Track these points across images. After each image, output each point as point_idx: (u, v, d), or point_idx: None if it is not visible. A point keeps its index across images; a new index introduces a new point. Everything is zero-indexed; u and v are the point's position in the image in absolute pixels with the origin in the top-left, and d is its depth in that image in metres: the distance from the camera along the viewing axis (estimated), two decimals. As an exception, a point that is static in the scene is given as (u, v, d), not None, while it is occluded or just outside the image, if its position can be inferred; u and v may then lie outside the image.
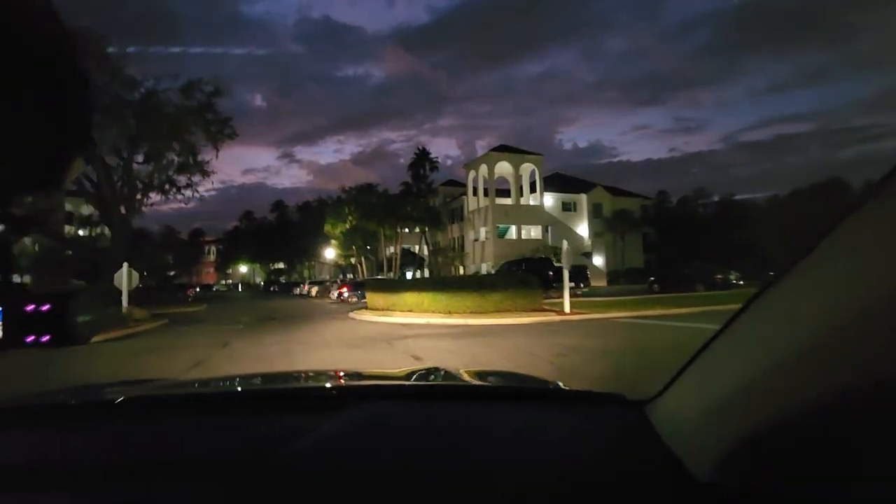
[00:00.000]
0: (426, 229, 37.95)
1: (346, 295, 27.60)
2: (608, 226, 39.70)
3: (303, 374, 2.05)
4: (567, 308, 12.84)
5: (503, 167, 36.66)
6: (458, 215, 43.18)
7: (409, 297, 15.02)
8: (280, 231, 65.37)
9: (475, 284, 13.84)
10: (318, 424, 0.92)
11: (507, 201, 37.80)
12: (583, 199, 42.03)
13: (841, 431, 0.52)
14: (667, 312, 12.60)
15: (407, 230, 39.93)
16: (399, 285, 17.12)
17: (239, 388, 1.46)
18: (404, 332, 10.79)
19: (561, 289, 13.86)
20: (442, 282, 15.91)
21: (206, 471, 0.81)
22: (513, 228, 38.22)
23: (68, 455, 0.87)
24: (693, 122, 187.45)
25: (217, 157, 27.03)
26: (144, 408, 1.09)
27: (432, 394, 1.24)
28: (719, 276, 20.21)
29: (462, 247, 42.13)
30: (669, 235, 42.83)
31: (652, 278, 24.41)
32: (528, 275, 15.35)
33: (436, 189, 45.65)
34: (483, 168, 37.46)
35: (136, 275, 14.69)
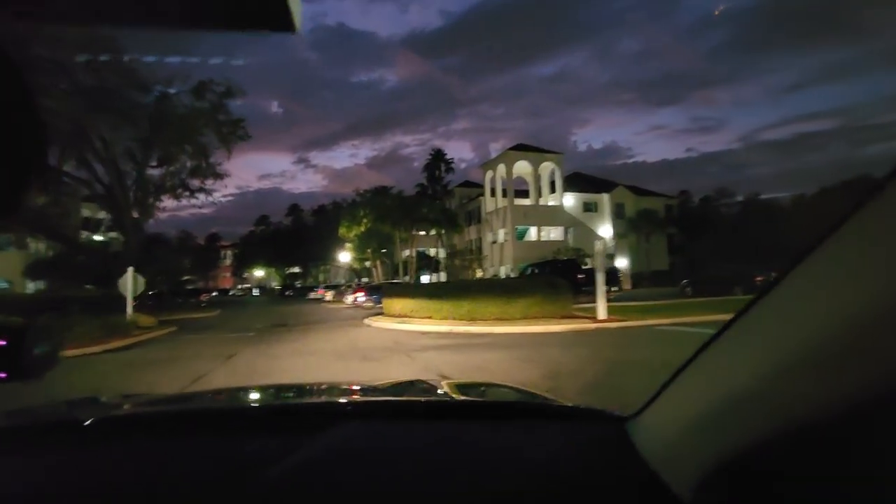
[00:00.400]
0: (442, 232, 36.98)
1: (361, 299, 26.80)
2: (632, 226, 38.28)
3: (285, 389, 1.94)
4: (602, 314, 11.74)
5: (522, 166, 35.57)
6: (475, 217, 42.18)
7: (429, 303, 14.06)
8: (295, 235, 65.26)
9: (500, 288, 12.84)
10: (296, 446, 0.90)
11: (527, 202, 36.71)
12: (604, 198, 40.67)
13: (830, 449, 0.52)
14: (712, 318, 11.40)
15: (423, 233, 39.10)
16: (418, 290, 16.19)
17: (214, 407, 1.36)
18: (425, 343, 9.83)
19: (590, 293, 12.78)
20: (463, 286, 14.92)
21: (176, 499, 0.80)
22: (532, 230, 37.07)
23: (28, 483, 0.85)
24: (710, 121, 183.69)
25: (229, 158, 26.55)
26: (112, 429, 1.05)
27: (412, 411, 1.19)
28: (759, 278, 18.81)
29: (480, 249, 41.09)
30: (696, 236, 41.16)
31: (685, 281, 23.05)
32: (556, 278, 14.25)
33: (451, 191, 44.75)
34: (501, 168, 36.40)
35: (141, 280, 14.02)
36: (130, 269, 13.55)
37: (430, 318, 13.71)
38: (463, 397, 1.47)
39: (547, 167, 36.57)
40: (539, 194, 36.54)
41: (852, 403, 0.45)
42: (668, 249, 42.36)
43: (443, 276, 43.99)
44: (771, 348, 0.55)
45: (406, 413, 1.16)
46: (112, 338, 11.96)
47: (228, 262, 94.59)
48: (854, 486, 0.53)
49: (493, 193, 38.25)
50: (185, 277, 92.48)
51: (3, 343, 0.60)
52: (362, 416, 1.09)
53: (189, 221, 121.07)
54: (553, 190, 37.47)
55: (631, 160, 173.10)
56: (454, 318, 12.89)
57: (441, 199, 40.79)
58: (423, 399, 1.41)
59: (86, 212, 33.77)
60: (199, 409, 1.32)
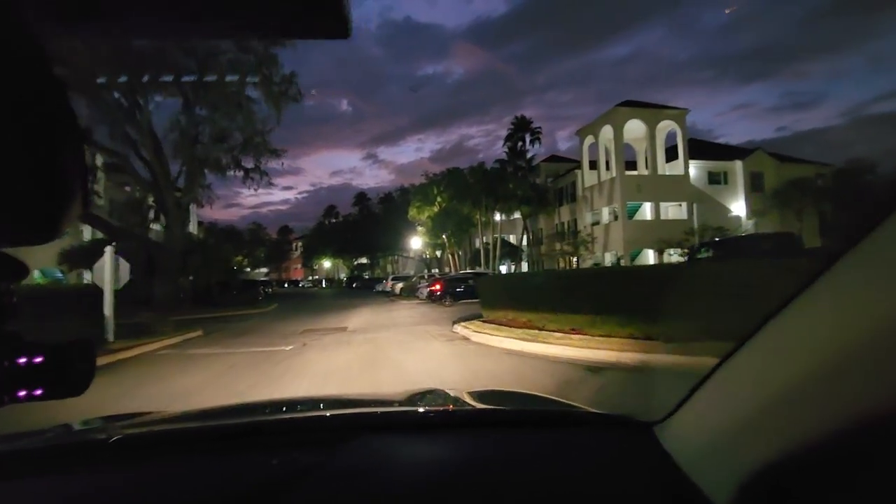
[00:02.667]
0: (528, 213, 31.05)
1: (438, 294, 21.67)
2: (778, 200, 30.08)
3: (304, 403, 1.81)
4: None
5: (633, 128, 28.69)
6: (567, 195, 35.75)
7: (568, 306, 8.47)
8: (362, 225, 62.28)
9: (727, 284, 6.89)
10: (320, 461, 0.90)
11: (635, 173, 29.82)
12: (736, 167, 32.63)
13: (874, 460, 0.51)
14: None
15: (501, 217, 33.44)
16: (545, 285, 10.52)
17: (235, 423, 1.28)
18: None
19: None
20: (644, 275, 9.07)
21: None
22: (646, 207, 30.13)
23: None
24: (806, 95, 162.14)
25: (279, 122, 22.43)
26: (136, 448, 1.04)
27: (435, 423, 1.16)
28: None
29: (574, 232, 34.70)
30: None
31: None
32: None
33: (537, 167, 38.50)
34: (605, 131, 29.73)
35: (126, 266, 9.67)
36: (109, 251, 9.21)
37: (571, 331, 8.11)
38: (486, 406, 1.45)
39: (665, 128, 29.37)
40: (653, 162, 29.39)
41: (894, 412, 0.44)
42: (819, 230, 33.49)
43: (524, 267, 38.08)
44: (806, 353, 0.55)
45: (430, 424, 1.12)
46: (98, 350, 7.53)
47: (297, 253, 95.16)
48: None
49: (594, 165, 31.66)
50: (248, 269, 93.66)
51: (41, 359, 0.61)
52: (388, 428, 1.07)
53: (267, 217, 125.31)
54: (671, 157, 30.18)
55: (713, 142, 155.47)
56: (612, 335, 7.21)
57: (527, 175, 34.69)
58: (447, 409, 1.37)
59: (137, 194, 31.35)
60: (221, 426, 1.26)
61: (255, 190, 26.49)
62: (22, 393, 0.59)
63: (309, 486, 0.83)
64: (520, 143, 39.26)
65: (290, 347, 9.69)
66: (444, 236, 30.29)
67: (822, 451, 0.53)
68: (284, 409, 1.61)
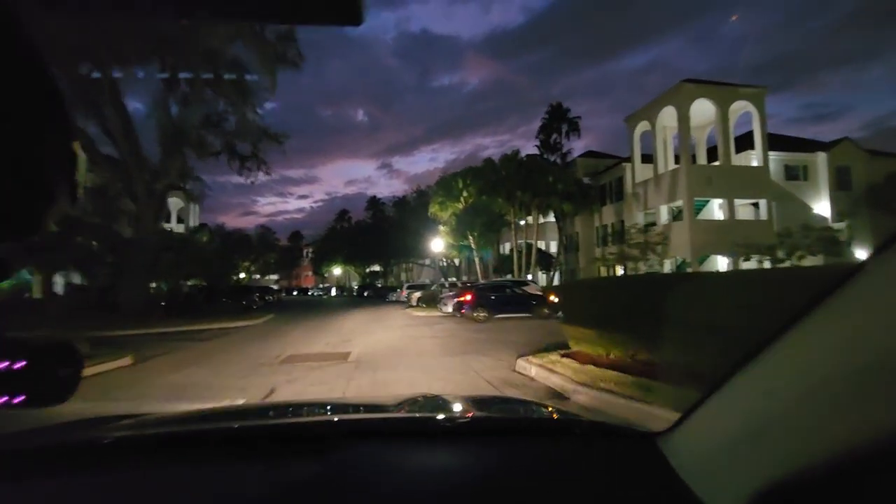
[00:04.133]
0: (571, 212, 26.56)
1: (469, 306, 17.29)
2: (872, 200, 25.22)
3: (297, 407, 1.78)
4: None
5: (698, 111, 24.11)
6: (611, 193, 31.22)
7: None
8: (375, 230, 58.39)
9: None
10: (309, 471, 0.89)
11: (703, 164, 25.16)
12: (818, 160, 27.85)
13: (890, 477, 0.50)
14: None
15: (537, 216, 29.05)
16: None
17: (230, 427, 1.25)
18: None
19: None
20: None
21: None
22: (713, 205, 25.47)
23: None
24: (826, 107, 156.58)
25: (274, 91, 18.45)
26: (132, 450, 1.03)
27: (434, 431, 1.13)
28: None
29: (620, 235, 30.12)
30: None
31: None
32: None
33: (572, 162, 34.08)
34: (664, 115, 25.23)
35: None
36: None
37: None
38: (486, 413, 1.45)
39: (737, 111, 24.74)
40: (726, 151, 24.66)
41: None
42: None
43: (556, 276, 33.53)
44: (818, 370, 0.55)
45: (429, 432, 1.10)
46: None
47: (309, 261, 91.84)
48: None
49: (648, 158, 27.13)
50: (257, 275, 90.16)
51: (24, 364, 0.58)
52: (384, 435, 1.06)
53: (283, 226, 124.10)
54: (742, 147, 25.49)
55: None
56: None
57: (565, 168, 30.22)
58: (446, 416, 1.32)
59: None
60: (219, 429, 1.24)
61: (252, 182, 22.48)
62: (1, 400, 0.55)
63: (301, 498, 0.82)
64: (554, 136, 34.94)
65: (243, 401, 5.58)
66: (470, 237, 25.87)
67: (832, 469, 0.52)
68: (278, 413, 1.57)
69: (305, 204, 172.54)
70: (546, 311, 17.40)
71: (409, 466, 0.92)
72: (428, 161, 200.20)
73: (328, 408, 1.66)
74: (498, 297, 17.61)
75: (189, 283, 27.38)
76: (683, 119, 23.74)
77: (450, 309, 20.48)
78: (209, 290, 23.77)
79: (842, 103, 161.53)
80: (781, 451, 0.59)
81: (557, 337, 8.95)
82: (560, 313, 17.68)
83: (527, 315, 17.41)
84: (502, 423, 1.24)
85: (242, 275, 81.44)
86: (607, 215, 31.50)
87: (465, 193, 25.98)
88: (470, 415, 1.38)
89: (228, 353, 10.46)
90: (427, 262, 55.62)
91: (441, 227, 26.71)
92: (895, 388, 0.45)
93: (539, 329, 14.34)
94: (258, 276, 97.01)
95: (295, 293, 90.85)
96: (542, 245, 34.43)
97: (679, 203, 24.97)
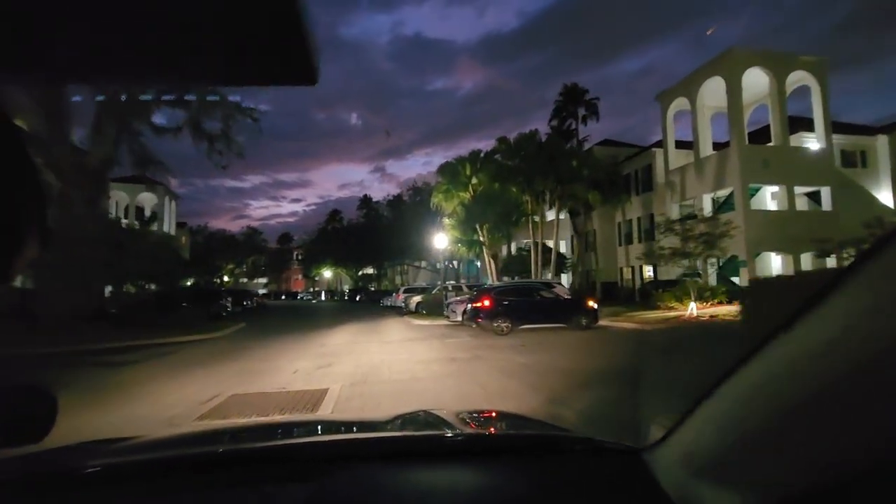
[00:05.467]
0: (598, 202, 22.97)
1: (487, 313, 13.66)
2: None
3: (284, 428, 1.83)
4: None
5: (749, 84, 20.61)
6: (638, 183, 27.77)
7: None
8: (368, 231, 54.83)
9: None
10: (300, 498, 0.87)
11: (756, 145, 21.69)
12: (878, 145, 24.56)
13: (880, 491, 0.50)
14: None
15: (557, 208, 25.48)
16: None
17: (215, 451, 1.22)
18: None
19: None
20: None
21: None
22: (767, 193, 22.05)
23: None
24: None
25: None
26: (114, 478, 0.99)
27: (423, 451, 1.13)
28: None
29: (648, 232, 26.67)
30: None
31: None
32: None
33: (589, 151, 30.58)
34: (707, 89, 21.77)
35: None
36: None
37: None
38: (476, 431, 1.47)
39: (794, 83, 21.33)
40: (783, 130, 21.20)
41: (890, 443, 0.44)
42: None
43: (569, 278, 29.98)
44: (799, 381, 0.54)
45: (414, 453, 1.10)
46: None
47: (296, 264, 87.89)
48: None
49: (688, 142, 23.67)
50: (244, 279, 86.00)
51: None
52: (367, 458, 1.06)
53: (276, 229, 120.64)
54: (797, 128, 22.06)
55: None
56: None
57: (586, 154, 26.61)
58: (435, 435, 1.35)
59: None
60: (204, 453, 1.21)
61: (224, 168, 18.32)
62: None
63: None
64: (569, 121, 31.48)
65: None
66: (481, 231, 22.06)
67: (821, 483, 0.51)
68: (263, 435, 1.56)
69: (298, 207, 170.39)
70: (584, 320, 13.84)
71: (396, 489, 0.91)
72: (422, 165, 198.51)
73: (313, 428, 1.67)
74: (523, 303, 14.02)
75: (153, 287, 23.63)
76: (734, 91, 20.27)
77: (459, 317, 16.87)
78: (167, 295, 19.97)
79: (839, 106, 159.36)
80: (768, 466, 0.58)
81: (656, 362, 5.39)
82: (593, 321, 13.98)
83: (560, 325, 13.85)
84: (490, 442, 1.24)
85: (227, 278, 77.81)
86: (632, 209, 28.00)
87: (473, 180, 22.37)
88: (460, 434, 1.34)
89: (131, 392, 6.80)
90: (423, 264, 52.07)
91: (446, 220, 23.07)
92: (879, 396, 0.45)
93: (595, 345, 10.72)
94: (245, 280, 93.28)
95: (283, 297, 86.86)
96: (550, 244, 30.90)
97: (725, 192, 21.54)
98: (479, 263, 48.49)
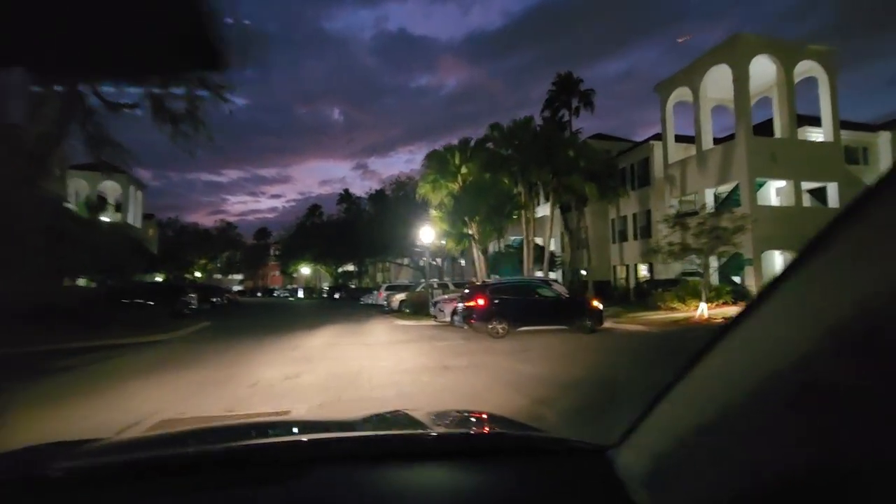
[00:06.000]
0: (595, 195, 21.76)
1: (481, 313, 12.33)
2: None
3: (253, 428, 1.71)
4: None
5: (757, 72, 19.59)
6: (633, 178, 26.74)
7: None
8: (348, 227, 52.94)
9: None
10: (271, 496, 0.87)
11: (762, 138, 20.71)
12: (880, 141, 23.92)
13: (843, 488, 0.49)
14: None
15: (552, 201, 24.13)
16: None
17: (184, 453, 1.19)
18: None
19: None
20: None
21: None
22: (768, 191, 21.16)
23: None
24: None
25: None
26: (82, 482, 0.96)
27: (394, 451, 1.11)
28: None
29: (644, 229, 25.69)
30: None
31: None
32: None
33: (584, 142, 29.44)
34: (712, 78, 20.74)
35: None
36: None
37: None
38: (447, 430, 1.45)
39: (802, 73, 20.42)
40: (790, 122, 20.26)
41: (853, 436, 0.44)
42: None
43: (559, 276, 28.83)
44: (755, 373, 0.54)
45: (386, 454, 1.09)
46: None
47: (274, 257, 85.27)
48: None
49: (693, 135, 22.61)
50: (218, 275, 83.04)
51: None
52: (339, 458, 1.05)
53: (255, 226, 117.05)
54: (802, 121, 21.17)
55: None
56: None
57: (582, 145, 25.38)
58: (402, 434, 1.34)
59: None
60: (173, 456, 1.17)
61: (192, 155, 16.20)
62: None
63: None
64: (562, 112, 30.30)
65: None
66: (471, 224, 20.55)
67: (785, 480, 0.51)
68: (240, 435, 1.48)
69: (278, 203, 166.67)
70: (588, 322, 12.58)
71: (368, 490, 0.90)
72: (404, 163, 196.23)
73: (286, 428, 1.66)
74: (521, 303, 12.68)
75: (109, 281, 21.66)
76: (741, 79, 19.22)
77: (447, 317, 15.49)
78: (122, 291, 18.11)
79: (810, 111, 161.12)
80: (727, 462, 0.57)
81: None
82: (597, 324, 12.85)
83: (560, 327, 12.56)
84: (461, 443, 1.23)
85: (199, 273, 74.87)
86: (627, 205, 26.95)
87: (463, 170, 20.96)
88: (429, 435, 1.31)
89: (40, 412, 5.25)
90: (406, 261, 50.52)
91: (433, 212, 21.59)
92: (810, 401, 0.45)
93: (610, 351, 9.45)
94: (220, 276, 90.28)
95: (259, 294, 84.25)
96: (538, 241, 29.71)
97: (728, 187, 20.55)
98: (462, 261, 47.34)
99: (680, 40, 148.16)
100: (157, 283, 23.76)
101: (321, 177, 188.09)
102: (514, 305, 12.45)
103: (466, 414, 1.96)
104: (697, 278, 21.31)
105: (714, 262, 20.28)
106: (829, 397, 0.45)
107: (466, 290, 13.76)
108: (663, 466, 0.72)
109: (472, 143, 21.60)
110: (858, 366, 0.43)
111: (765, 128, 21.61)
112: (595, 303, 13.22)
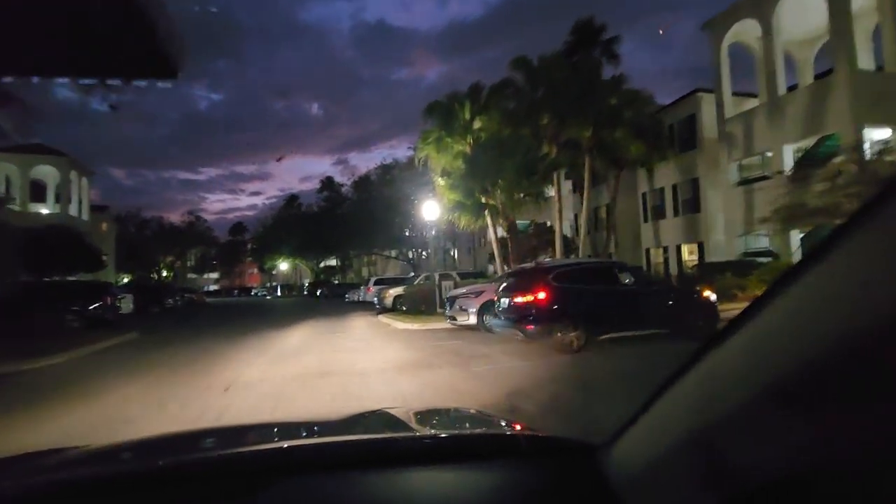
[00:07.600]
0: (643, 159, 17.36)
1: (539, 318, 7.76)
2: None
3: (222, 434, 1.68)
4: None
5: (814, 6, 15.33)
6: (673, 142, 22.36)
7: None
8: (330, 217, 48.23)
9: None
10: None
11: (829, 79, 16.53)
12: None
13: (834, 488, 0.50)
14: None
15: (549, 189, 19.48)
16: None
17: (156, 466, 1.11)
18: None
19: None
20: None
21: None
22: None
23: None
24: None
25: None
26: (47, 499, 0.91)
27: (375, 455, 1.07)
28: None
29: (690, 203, 21.51)
30: None
31: None
32: None
33: (627, 92, 24.81)
34: (784, 8, 16.45)
35: None
36: None
37: None
38: (429, 430, 1.44)
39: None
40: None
41: (842, 439, 0.45)
42: None
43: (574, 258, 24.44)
44: (754, 375, 0.54)
45: (367, 459, 1.05)
46: None
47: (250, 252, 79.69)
48: None
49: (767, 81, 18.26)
50: (192, 274, 77.32)
51: None
52: (315, 466, 1.01)
53: (232, 223, 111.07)
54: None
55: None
56: None
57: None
58: (383, 438, 1.31)
59: None
60: (143, 468, 1.11)
61: (113, 108, 10.85)
62: None
63: None
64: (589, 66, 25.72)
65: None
66: (495, 191, 15.42)
67: (780, 482, 0.51)
68: (214, 444, 1.46)
69: (258, 201, 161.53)
70: (700, 322, 8.19)
71: (348, 497, 0.88)
72: (385, 158, 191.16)
73: (264, 433, 1.56)
74: (603, 297, 8.21)
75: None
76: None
77: (471, 318, 10.97)
78: (16, 290, 13.26)
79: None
80: (720, 464, 0.58)
81: None
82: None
83: (658, 331, 8.17)
84: (446, 444, 1.20)
85: (165, 272, 69.07)
86: (663, 175, 22.68)
87: (476, 124, 16.37)
88: (410, 436, 1.31)
89: None
90: (394, 253, 46.04)
91: (439, 181, 16.86)
92: (829, 392, 0.45)
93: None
94: (194, 276, 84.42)
95: (236, 293, 78.69)
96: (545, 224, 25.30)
97: (808, 142, 16.37)
98: (455, 252, 42.94)
99: (661, 31, 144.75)
100: (77, 282, 18.79)
101: (301, 173, 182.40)
102: (593, 301, 7.96)
103: (452, 411, 1.96)
104: (770, 258, 17.21)
105: (797, 237, 16.11)
106: (825, 399, 0.46)
107: (510, 278, 9.18)
108: (655, 465, 0.70)
109: (486, 90, 16.97)
110: (857, 367, 0.43)
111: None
112: (707, 294, 8.85)
